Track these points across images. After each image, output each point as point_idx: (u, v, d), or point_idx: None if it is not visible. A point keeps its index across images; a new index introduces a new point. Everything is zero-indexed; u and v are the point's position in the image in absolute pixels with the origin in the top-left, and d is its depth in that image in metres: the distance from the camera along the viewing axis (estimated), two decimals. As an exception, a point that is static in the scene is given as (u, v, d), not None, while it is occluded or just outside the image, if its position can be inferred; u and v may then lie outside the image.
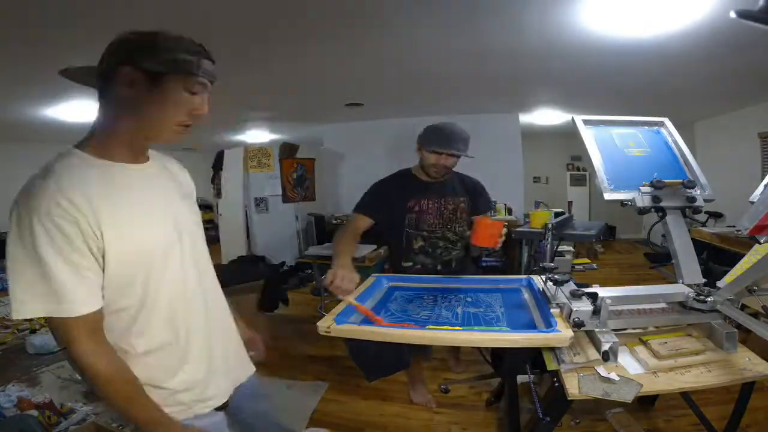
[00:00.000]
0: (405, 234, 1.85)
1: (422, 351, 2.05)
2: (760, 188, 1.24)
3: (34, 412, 1.96)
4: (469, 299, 1.47)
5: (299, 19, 2.08)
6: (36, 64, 2.50)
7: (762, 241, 1.08)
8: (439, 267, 1.87)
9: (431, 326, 1.20)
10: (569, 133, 5.60)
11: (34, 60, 2.43)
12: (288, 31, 2.23)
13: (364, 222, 1.79)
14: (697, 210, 1.39)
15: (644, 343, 1.26)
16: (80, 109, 3.78)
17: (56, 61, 2.47)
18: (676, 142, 1.59)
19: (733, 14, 1.01)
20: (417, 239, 1.85)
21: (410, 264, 1.87)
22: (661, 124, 1.65)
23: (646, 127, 1.65)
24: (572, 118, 1.58)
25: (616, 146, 1.55)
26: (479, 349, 1.75)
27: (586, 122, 1.58)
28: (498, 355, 1.62)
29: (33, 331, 3.24)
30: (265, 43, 2.39)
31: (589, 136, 1.54)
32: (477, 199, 1.95)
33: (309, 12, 1.99)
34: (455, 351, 2.54)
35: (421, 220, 1.84)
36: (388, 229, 1.89)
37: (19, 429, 1.77)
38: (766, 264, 1.15)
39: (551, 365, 1.16)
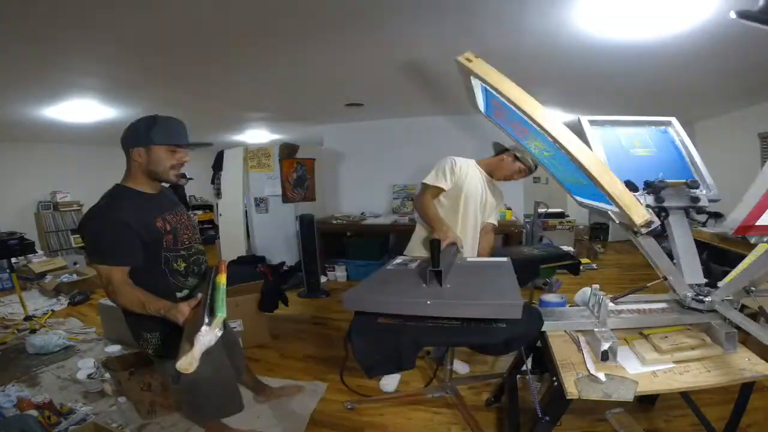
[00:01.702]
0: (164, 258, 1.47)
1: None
2: (751, 189, 1.24)
3: (34, 412, 1.96)
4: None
5: (299, 20, 2.08)
6: (36, 64, 2.50)
7: (752, 241, 1.08)
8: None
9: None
10: (569, 133, 5.62)
11: (34, 60, 2.43)
12: (288, 31, 2.23)
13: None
14: (700, 210, 1.38)
15: (645, 337, 1.26)
16: (80, 110, 3.78)
17: (56, 62, 2.48)
18: (683, 142, 1.58)
19: (733, 14, 1.02)
20: (179, 261, 1.51)
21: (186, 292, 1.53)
22: (669, 123, 1.65)
23: (653, 127, 1.64)
24: (578, 119, 1.58)
25: (622, 146, 1.55)
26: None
27: (592, 123, 1.58)
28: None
29: (33, 331, 3.24)
30: (265, 44, 2.40)
31: (593, 137, 1.53)
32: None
33: (309, 12, 2.00)
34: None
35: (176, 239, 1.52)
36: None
37: (19, 429, 1.77)
38: (762, 264, 1.15)
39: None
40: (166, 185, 1.57)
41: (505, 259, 1.81)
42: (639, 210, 0.94)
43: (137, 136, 1.38)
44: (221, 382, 1.59)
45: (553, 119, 0.96)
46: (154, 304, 1.28)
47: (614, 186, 0.95)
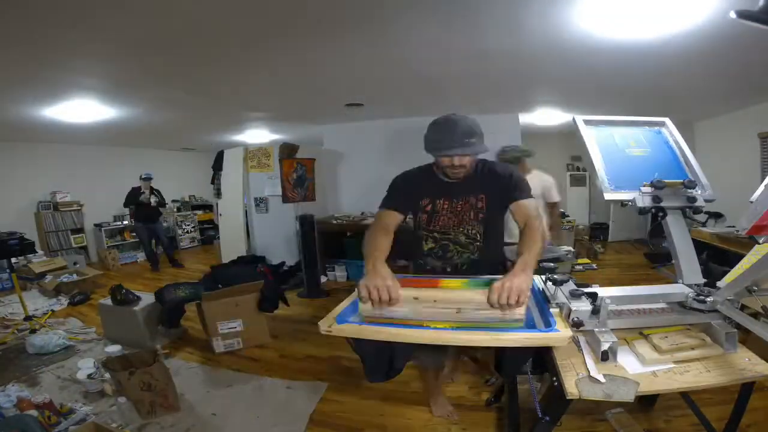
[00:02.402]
0: (416, 234, 1.77)
1: (432, 361, 1.99)
2: (761, 188, 1.24)
3: (34, 412, 1.96)
4: None
5: (299, 20, 2.08)
6: (36, 64, 2.50)
7: (761, 241, 1.08)
8: (448, 269, 1.72)
9: (430, 323, 1.19)
10: (569, 134, 5.60)
11: (34, 60, 2.43)
12: (288, 31, 2.23)
13: (393, 218, 1.63)
14: (697, 210, 1.39)
15: (645, 337, 1.26)
16: (80, 110, 3.78)
17: (56, 62, 2.48)
18: (677, 142, 1.59)
19: (733, 14, 1.02)
20: (428, 240, 1.74)
21: (421, 264, 1.79)
22: (662, 124, 1.65)
23: (647, 127, 1.65)
24: (573, 118, 1.58)
25: (617, 146, 1.55)
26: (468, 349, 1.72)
27: (587, 122, 1.58)
28: (498, 356, 1.61)
29: (33, 331, 3.24)
30: (265, 44, 2.40)
31: (589, 136, 1.54)
32: (500, 193, 1.61)
33: (309, 12, 2.00)
34: (456, 356, 2.48)
35: (433, 221, 1.71)
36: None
37: (19, 429, 1.77)
38: (765, 264, 1.15)
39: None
40: None
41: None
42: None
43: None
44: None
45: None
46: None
47: None
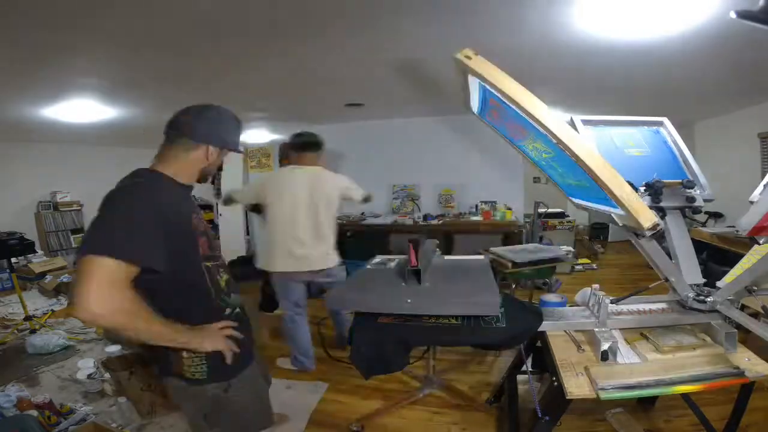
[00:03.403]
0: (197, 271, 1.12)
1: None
2: (760, 188, 1.24)
3: (34, 412, 1.96)
4: None
5: (299, 19, 2.08)
6: (36, 64, 2.50)
7: (761, 242, 1.08)
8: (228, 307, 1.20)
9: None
10: (569, 133, 5.61)
11: (35, 60, 2.43)
12: (288, 31, 2.23)
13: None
14: (696, 210, 1.39)
15: (646, 337, 1.26)
16: (80, 110, 3.78)
17: (56, 62, 2.48)
18: (675, 142, 1.59)
19: (733, 14, 1.02)
20: (221, 272, 1.20)
21: (216, 308, 1.16)
22: (660, 124, 1.65)
23: (645, 127, 1.65)
24: (571, 118, 1.58)
25: (616, 146, 1.55)
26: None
27: (585, 122, 1.58)
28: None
29: (33, 331, 3.24)
30: (265, 43, 2.40)
31: (587, 137, 1.53)
32: None
33: (309, 12, 1.99)
34: None
35: (211, 246, 1.21)
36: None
37: (19, 429, 1.77)
38: (766, 264, 1.15)
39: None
40: None
41: (482, 257, 1.83)
42: (647, 213, 0.94)
43: (220, 136, 1.18)
44: (262, 405, 1.32)
45: (558, 120, 0.96)
46: (182, 332, 1.02)
47: (622, 189, 0.94)
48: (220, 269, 1.19)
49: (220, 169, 1.49)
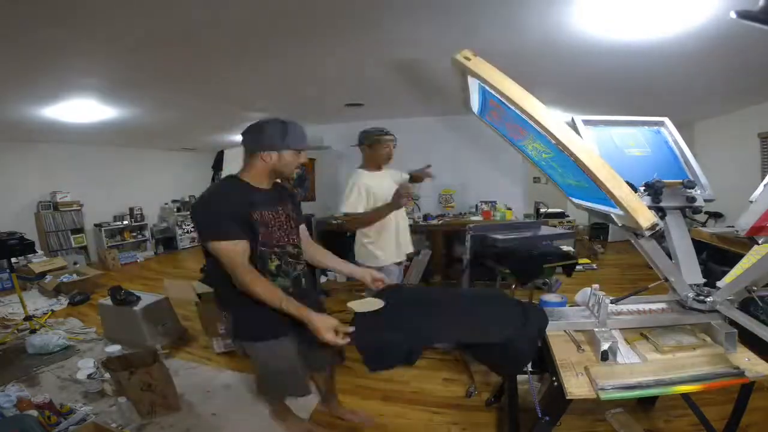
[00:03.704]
0: (259, 253, 1.47)
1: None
2: (760, 188, 1.24)
3: (34, 412, 1.96)
4: None
5: (299, 19, 2.08)
6: (36, 64, 2.50)
7: (761, 241, 1.08)
8: (290, 289, 1.54)
9: None
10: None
11: (34, 60, 2.43)
12: (288, 31, 2.23)
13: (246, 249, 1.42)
14: (696, 210, 1.39)
15: (646, 337, 1.26)
16: (80, 110, 3.78)
17: (56, 62, 2.48)
18: (676, 142, 1.58)
19: (733, 14, 1.02)
20: (272, 258, 1.52)
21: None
22: (661, 123, 1.65)
23: (646, 127, 1.64)
24: (572, 118, 1.58)
25: (616, 146, 1.55)
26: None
27: (585, 122, 1.57)
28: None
29: (33, 331, 3.24)
30: (265, 43, 2.40)
31: (587, 137, 1.53)
32: (297, 204, 1.71)
33: (309, 12, 2.00)
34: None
35: (270, 235, 1.50)
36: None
37: (19, 429, 1.77)
38: (765, 264, 1.15)
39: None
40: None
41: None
42: (645, 213, 0.94)
43: (271, 140, 1.45)
44: (286, 368, 1.63)
45: (556, 120, 0.96)
46: (294, 306, 1.33)
47: (620, 188, 0.95)
48: (272, 255, 1.50)
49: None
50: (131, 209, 6.95)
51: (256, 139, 1.47)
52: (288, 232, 1.58)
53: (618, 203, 0.96)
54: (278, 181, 1.62)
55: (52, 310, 4.03)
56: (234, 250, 1.36)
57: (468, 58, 0.98)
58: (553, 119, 0.96)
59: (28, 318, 3.38)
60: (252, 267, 1.40)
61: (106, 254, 6.21)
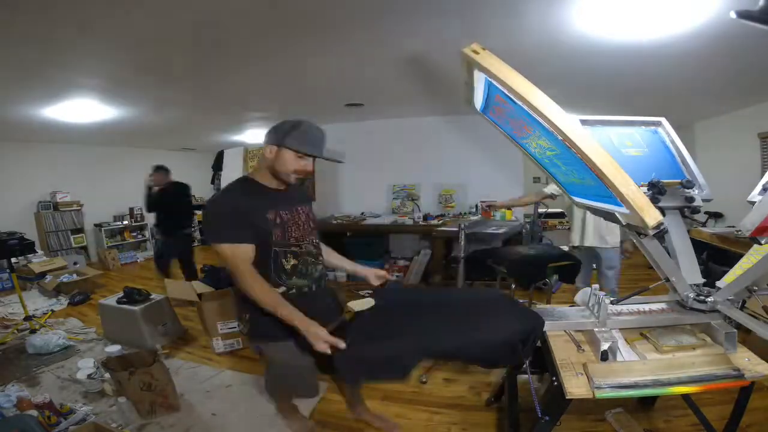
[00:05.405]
0: (273, 253, 1.48)
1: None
2: (758, 188, 1.24)
3: (34, 412, 1.96)
4: None
5: (299, 19, 2.08)
6: (36, 63, 2.50)
7: (762, 241, 1.08)
8: (313, 287, 1.60)
9: None
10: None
11: (35, 60, 2.43)
12: (288, 30, 2.23)
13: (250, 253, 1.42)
14: (695, 210, 1.38)
15: (646, 337, 1.26)
16: (80, 110, 3.78)
17: (56, 62, 2.48)
18: (673, 142, 1.58)
19: (733, 15, 1.02)
20: (288, 257, 1.52)
21: (284, 289, 1.52)
22: (658, 123, 1.65)
23: (643, 127, 1.64)
24: None
25: (614, 146, 1.55)
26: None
27: (583, 122, 1.57)
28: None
29: (33, 331, 3.24)
30: (264, 43, 2.40)
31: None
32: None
33: (309, 12, 2.00)
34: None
35: (287, 234, 1.51)
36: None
37: (19, 429, 1.77)
38: (766, 264, 1.15)
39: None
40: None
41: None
42: (652, 212, 0.94)
43: (276, 134, 1.45)
44: (298, 369, 1.63)
45: (565, 115, 0.95)
46: (288, 312, 1.34)
47: (627, 186, 0.94)
48: (288, 254, 1.50)
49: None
50: (131, 209, 6.94)
51: (268, 133, 1.48)
52: (308, 231, 1.59)
53: (624, 201, 0.96)
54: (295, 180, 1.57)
55: (52, 310, 4.03)
56: (233, 253, 1.36)
57: (476, 52, 0.98)
58: (562, 114, 0.95)
59: (28, 318, 3.38)
60: (254, 270, 1.38)
61: (106, 254, 6.21)
